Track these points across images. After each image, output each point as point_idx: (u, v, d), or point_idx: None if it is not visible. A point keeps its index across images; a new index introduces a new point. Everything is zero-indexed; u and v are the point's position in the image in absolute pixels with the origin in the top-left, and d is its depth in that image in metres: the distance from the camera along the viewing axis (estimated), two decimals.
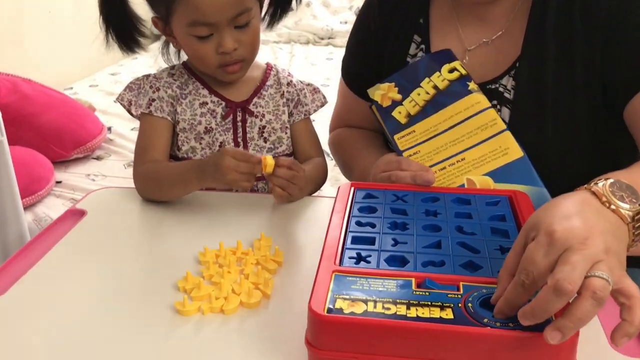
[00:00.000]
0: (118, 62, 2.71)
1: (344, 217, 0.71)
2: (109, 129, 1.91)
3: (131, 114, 0.98)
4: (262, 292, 0.70)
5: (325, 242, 0.65)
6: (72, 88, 2.38)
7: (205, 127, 0.96)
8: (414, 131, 0.87)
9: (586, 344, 0.53)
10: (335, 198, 0.76)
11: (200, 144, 0.96)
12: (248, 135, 0.97)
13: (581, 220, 0.52)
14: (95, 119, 1.84)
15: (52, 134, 1.67)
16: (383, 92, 0.90)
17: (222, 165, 0.84)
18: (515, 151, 0.80)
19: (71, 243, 0.82)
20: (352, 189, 0.79)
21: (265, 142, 0.99)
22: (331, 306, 0.55)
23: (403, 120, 0.87)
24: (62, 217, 0.88)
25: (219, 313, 0.67)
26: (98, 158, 1.78)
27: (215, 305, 0.67)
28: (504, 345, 0.51)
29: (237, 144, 0.97)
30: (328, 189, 1.35)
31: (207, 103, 0.96)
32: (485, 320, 0.53)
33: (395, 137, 0.87)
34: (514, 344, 0.51)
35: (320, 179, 1.00)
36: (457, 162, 0.83)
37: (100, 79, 2.50)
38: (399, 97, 0.89)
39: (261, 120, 0.98)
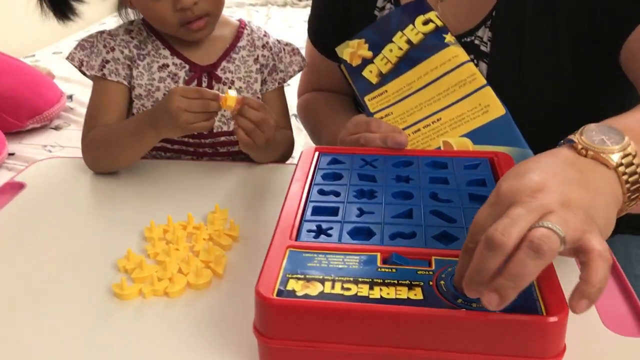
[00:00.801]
0: (85, 29, 2.57)
1: (304, 186, 0.63)
2: (70, 97, 1.80)
3: (86, 75, 0.89)
4: (213, 271, 0.62)
5: (281, 214, 0.57)
6: (34, 55, 2.25)
7: (165, 94, 0.85)
8: (386, 91, 0.79)
9: (577, 325, 0.46)
10: (297, 165, 0.68)
11: None
12: None
13: (538, 173, 0.44)
14: (54, 87, 1.72)
15: (5, 102, 1.55)
16: (352, 49, 0.82)
17: (172, 108, 0.74)
18: (496, 108, 0.73)
19: (3, 219, 0.74)
20: (316, 154, 0.71)
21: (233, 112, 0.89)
22: (282, 288, 0.47)
23: (374, 79, 0.80)
24: None
25: (162, 296, 0.59)
26: (56, 128, 1.68)
27: (158, 288, 0.59)
28: (480, 330, 0.44)
29: None
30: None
31: (167, 65, 0.86)
32: (459, 301, 0.45)
33: (366, 98, 0.80)
34: (491, 327, 0.44)
35: (286, 149, 0.92)
36: (433, 122, 0.75)
37: (64, 45, 2.37)
38: (369, 54, 0.81)
39: (230, 87, 0.87)
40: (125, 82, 0.85)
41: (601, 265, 0.40)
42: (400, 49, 0.79)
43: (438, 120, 0.75)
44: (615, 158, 0.46)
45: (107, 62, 0.85)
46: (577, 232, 0.41)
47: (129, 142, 0.81)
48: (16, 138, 1.60)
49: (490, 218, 0.42)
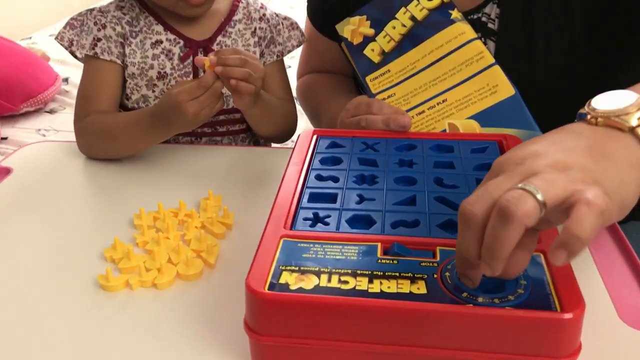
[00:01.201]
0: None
1: (301, 171, 0.59)
2: (66, 79, 1.76)
3: (75, 57, 0.85)
4: (205, 262, 0.59)
5: (276, 201, 0.54)
6: (30, 38, 2.20)
7: (159, 72, 0.82)
8: (389, 71, 0.75)
9: (591, 319, 0.43)
10: (293, 148, 0.64)
11: (154, 91, 0.83)
12: None
13: (537, 143, 0.40)
14: (49, 69, 1.67)
15: None
16: (353, 27, 0.78)
17: (178, 103, 0.70)
18: (505, 88, 0.69)
19: None
20: (315, 137, 0.67)
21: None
22: (274, 281, 0.44)
23: (376, 58, 0.75)
24: None
25: (150, 288, 0.56)
26: (51, 111, 1.63)
27: (146, 279, 0.56)
28: (489, 327, 0.41)
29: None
30: None
31: (161, 42, 0.82)
32: (465, 295, 0.42)
33: (367, 78, 0.76)
34: (500, 324, 0.40)
35: (288, 123, 0.88)
36: (438, 104, 0.71)
37: (61, 27, 2.32)
38: (371, 32, 0.76)
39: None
40: (119, 61, 0.82)
41: (586, 213, 0.34)
42: (404, 25, 0.75)
43: (443, 101, 0.71)
44: (631, 119, 0.41)
45: (99, 40, 0.81)
46: (564, 192, 0.36)
47: (137, 139, 0.78)
48: (9, 122, 1.57)
49: (477, 191, 0.39)
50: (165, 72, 0.82)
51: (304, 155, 0.62)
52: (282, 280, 0.44)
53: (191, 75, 0.83)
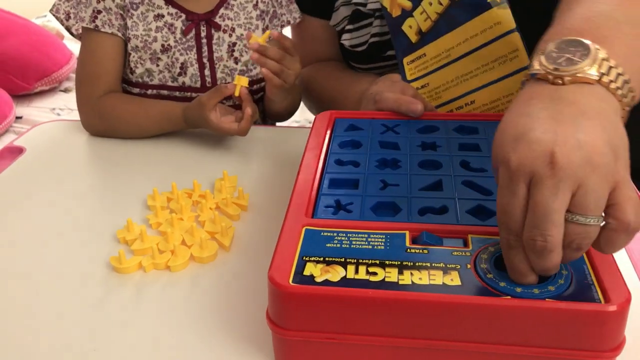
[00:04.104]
0: None
1: (320, 155, 0.57)
2: None
3: (71, 34, 0.82)
4: (219, 244, 0.57)
5: (295, 188, 0.51)
6: (45, 16, 2.16)
7: (162, 45, 0.79)
8: (425, 55, 0.71)
9: (633, 310, 0.40)
10: (311, 131, 0.61)
11: (158, 65, 0.80)
12: (215, 54, 0.81)
13: (538, 129, 0.38)
14: (63, 47, 1.64)
15: (12, 64, 1.48)
16: None
17: (211, 122, 0.73)
18: None
19: (1, 186, 0.69)
20: (332, 119, 0.64)
21: (237, 62, 0.82)
22: (299, 273, 0.41)
23: (414, 37, 0.72)
24: None
25: (164, 270, 0.54)
26: (65, 90, 1.61)
27: (159, 261, 0.54)
28: (528, 320, 0.38)
29: (202, 66, 0.81)
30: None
31: (163, 15, 0.79)
32: (503, 285, 0.40)
33: (405, 60, 0.72)
34: (540, 317, 0.38)
35: (295, 100, 0.87)
36: (466, 104, 0.69)
37: None
38: (409, 4, 0.72)
39: (230, 35, 0.81)
40: (120, 34, 0.79)
41: (622, 239, 0.37)
42: (440, 3, 0.70)
43: (471, 102, 0.68)
44: (593, 72, 0.40)
45: (99, 12, 0.78)
46: (606, 200, 0.37)
47: (163, 130, 0.79)
48: (24, 101, 1.55)
49: (516, 204, 0.38)
50: (169, 45, 0.80)
51: (321, 139, 0.60)
52: (306, 272, 0.42)
53: (194, 49, 0.80)
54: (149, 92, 0.82)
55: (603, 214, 0.37)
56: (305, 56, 0.93)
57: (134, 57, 0.80)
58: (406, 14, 0.72)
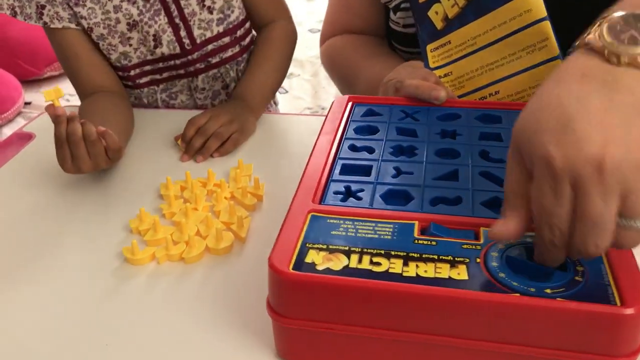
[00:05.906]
0: None
1: (334, 140, 0.55)
2: None
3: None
4: (235, 235, 0.56)
5: (305, 173, 0.50)
6: None
7: (128, 23, 0.75)
8: (449, 42, 0.69)
9: None
10: (326, 116, 0.60)
11: (130, 45, 0.76)
12: (186, 10, 0.76)
13: (585, 121, 0.34)
14: None
15: (21, 49, 1.50)
16: None
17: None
18: None
19: (11, 172, 0.70)
20: (350, 104, 0.62)
21: (211, 12, 0.77)
22: (300, 260, 0.40)
23: (439, 24, 0.69)
24: (7, 142, 0.75)
25: (178, 262, 0.54)
26: None
27: (173, 252, 0.54)
28: (537, 320, 0.36)
29: (175, 28, 0.76)
30: None
31: None
32: (515, 283, 0.37)
33: (429, 47, 0.70)
34: (551, 317, 0.36)
35: (286, 45, 0.83)
36: (490, 95, 0.66)
37: None
38: None
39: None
40: (73, 25, 0.74)
41: None
42: None
43: (495, 93, 0.65)
44: None
45: (43, 7, 0.73)
46: None
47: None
48: (34, 86, 1.57)
49: (562, 205, 0.35)
50: (134, 21, 0.75)
51: (337, 124, 0.58)
52: (308, 260, 0.40)
53: (162, 13, 0.76)
54: (132, 72, 0.79)
55: None
56: (336, 24, 0.89)
57: (103, 45, 0.76)
58: (433, 0, 0.70)
